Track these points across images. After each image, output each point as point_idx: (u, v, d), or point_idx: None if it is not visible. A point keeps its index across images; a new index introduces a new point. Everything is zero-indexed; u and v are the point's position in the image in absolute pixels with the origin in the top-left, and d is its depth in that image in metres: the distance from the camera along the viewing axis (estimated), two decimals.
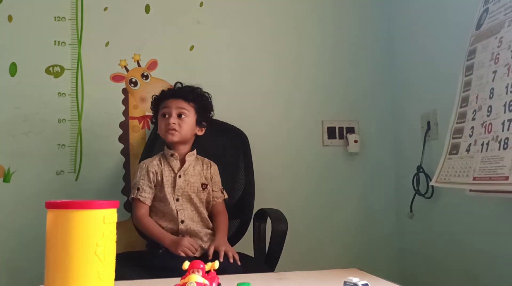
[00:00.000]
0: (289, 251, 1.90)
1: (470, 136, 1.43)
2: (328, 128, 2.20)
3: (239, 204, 1.89)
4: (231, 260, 1.49)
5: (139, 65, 2.08)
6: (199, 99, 1.71)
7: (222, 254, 1.50)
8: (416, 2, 2.10)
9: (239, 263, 1.51)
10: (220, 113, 2.00)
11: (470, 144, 1.43)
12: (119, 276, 0.94)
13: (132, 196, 1.66)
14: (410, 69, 2.14)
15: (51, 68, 2.00)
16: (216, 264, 0.98)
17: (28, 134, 1.95)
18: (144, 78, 2.07)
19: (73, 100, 2.01)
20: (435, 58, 1.93)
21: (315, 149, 2.19)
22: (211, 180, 1.73)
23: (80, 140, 2.00)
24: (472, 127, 1.43)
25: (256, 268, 1.53)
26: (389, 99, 2.27)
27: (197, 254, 1.57)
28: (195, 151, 1.73)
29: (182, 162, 1.68)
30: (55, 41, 2.01)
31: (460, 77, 1.55)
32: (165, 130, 1.64)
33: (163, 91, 1.75)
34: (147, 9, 2.10)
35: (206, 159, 1.77)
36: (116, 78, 2.05)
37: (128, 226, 1.86)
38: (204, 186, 1.69)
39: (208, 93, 1.79)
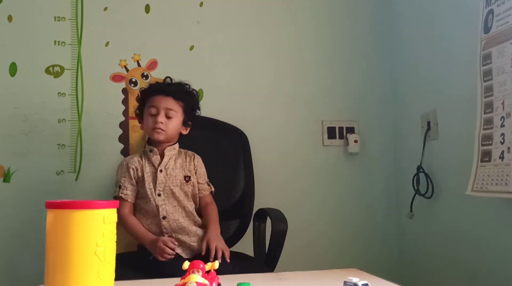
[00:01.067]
0: (289, 251, 1.90)
1: (502, 143, 1.43)
2: (328, 128, 2.20)
3: (239, 204, 1.89)
4: (219, 260, 1.42)
5: (139, 65, 2.08)
6: (188, 98, 1.68)
7: (213, 253, 1.48)
8: (417, 3, 2.10)
9: (228, 260, 1.48)
10: (219, 113, 2.01)
11: (503, 151, 1.42)
12: (119, 276, 0.94)
13: (115, 195, 1.64)
14: (410, 69, 2.14)
15: (51, 68, 2.00)
16: (216, 264, 0.98)
17: (28, 134, 1.95)
18: (144, 78, 2.07)
19: (73, 100, 2.01)
20: (435, 58, 1.93)
21: (315, 149, 2.19)
22: (195, 173, 1.69)
23: (80, 140, 2.00)
24: (503, 134, 1.43)
25: (256, 268, 1.53)
26: (389, 99, 2.27)
27: (188, 256, 1.56)
28: (176, 145, 1.69)
29: (163, 157, 1.66)
30: (55, 41, 2.01)
31: (478, 82, 1.55)
32: (151, 128, 1.61)
33: (151, 85, 1.71)
34: (147, 9, 2.10)
35: (189, 152, 1.74)
36: (116, 78, 2.05)
37: None
38: (187, 178, 1.65)
39: (195, 91, 1.76)
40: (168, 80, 1.74)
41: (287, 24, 2.23)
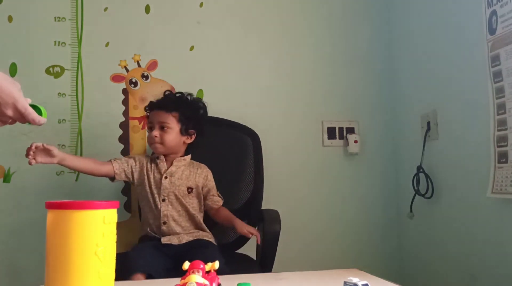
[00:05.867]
0: (288, 251, 1.91)
1: None
2: (328, 128, 2.20)
3: (247, 205, 1.87)
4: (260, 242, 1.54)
5: (139, 65, 2.08)
6: (182, 108, 1.67)
7: (259, 236, 1.55)
8: (415, 4, 2.10)
9: (259, 242, 1.55)
10: (219, 114, 2.00)
11: None
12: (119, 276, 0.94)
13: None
14: (410, 70, 2.14)
15: (51, 69, 2.00)
16: (216, 264, 0.98)
17: (28, 134, 1.94)
18: (144, 79, 2.07)
19: (73, 101, 2.01)
20: (434, 59, 1.93)
21: (315, 149, 2.19)
22: (205, 186, 1.71)
23: (80, 140, 2.00)
24: None
25: (256, 269, 1.53)
26: (389, 99, 2.26)
27: (175, 242, 1.60)
28: (187, 157, 1.72)
29: (171, 166, 1.68)
30: (55, 41, 2.01)
31: (489, 83, 1.55)
32: (150, 143, 1.67)
33: (150, 102, 1.74)
34: (147, 9, 2.10)
35: (202, 165, 1.75)
36: (116, 78, 2.05)
37: (128, 226, 1.86)
38: (189, 189, 1.67)
39: (198, 99, 1.77)
40: (167, 92, 1.76)
41: (287, 24, 2.22)
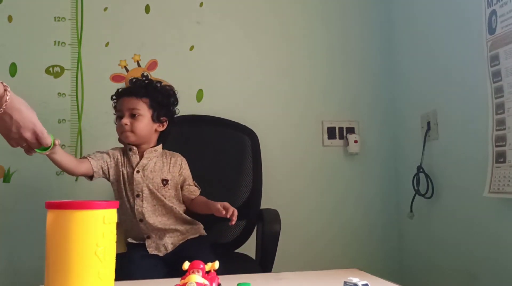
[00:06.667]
0: (288, 251, 1.91)
1: None
2: (328, 128, 2.20)
3: (246, 204, 1.86)
4: (234, 218, 1.41)
5: (139, 65, 2.08)
6: (152, 94, 1.59)
7: (231, 210, 1.41)
8: (415, 4, 2.10)
9: (233, 223, 1.42)
10: (219, 113, 2.01)
11: None
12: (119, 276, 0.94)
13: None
14: (410, 69, 2.14)
15: (51, 68, 2.00)
16: (216, 264, 0.98)
17: None
18: (144, 79, 2.06)
19: (73, 100, 2.01)
20: (434, 58, 1.94)
21: (315, 149, 2.19)
22: (180, 174, 1.62)
23: (80, 140, 2.00)
24: None
25: (255, 269, 1.53)
26: (389, 99, 2.27)
27: (162, 253, 1.53)
28: (158, 147, 1.62)
29: (142, 157, 1.59)
30: (55, 41, 2.01)
31: (488, 83, 1.55)
32: (120, 132, 1.57)
33: (117, 90, 1.66)
34: (147, 9, 2.10)
35: (175, 153, 1.66)
36: (116, 78, 2.05)
37: None
38: (164, 181, 1.57)
39: (169, 86, 1.67)
40: (133, 80, 1.68)
41: (287, 24, 2.23)
